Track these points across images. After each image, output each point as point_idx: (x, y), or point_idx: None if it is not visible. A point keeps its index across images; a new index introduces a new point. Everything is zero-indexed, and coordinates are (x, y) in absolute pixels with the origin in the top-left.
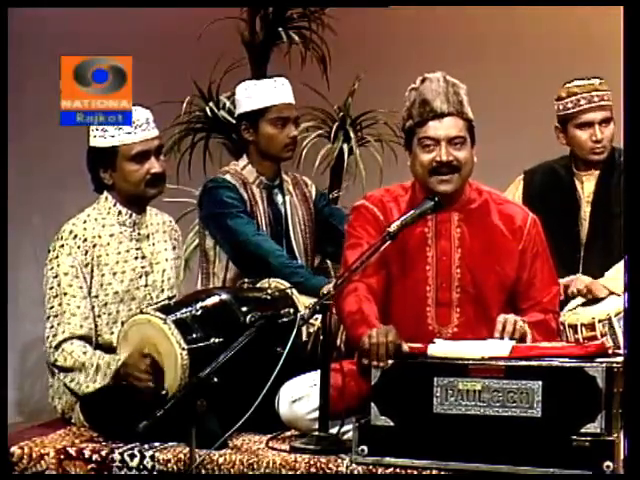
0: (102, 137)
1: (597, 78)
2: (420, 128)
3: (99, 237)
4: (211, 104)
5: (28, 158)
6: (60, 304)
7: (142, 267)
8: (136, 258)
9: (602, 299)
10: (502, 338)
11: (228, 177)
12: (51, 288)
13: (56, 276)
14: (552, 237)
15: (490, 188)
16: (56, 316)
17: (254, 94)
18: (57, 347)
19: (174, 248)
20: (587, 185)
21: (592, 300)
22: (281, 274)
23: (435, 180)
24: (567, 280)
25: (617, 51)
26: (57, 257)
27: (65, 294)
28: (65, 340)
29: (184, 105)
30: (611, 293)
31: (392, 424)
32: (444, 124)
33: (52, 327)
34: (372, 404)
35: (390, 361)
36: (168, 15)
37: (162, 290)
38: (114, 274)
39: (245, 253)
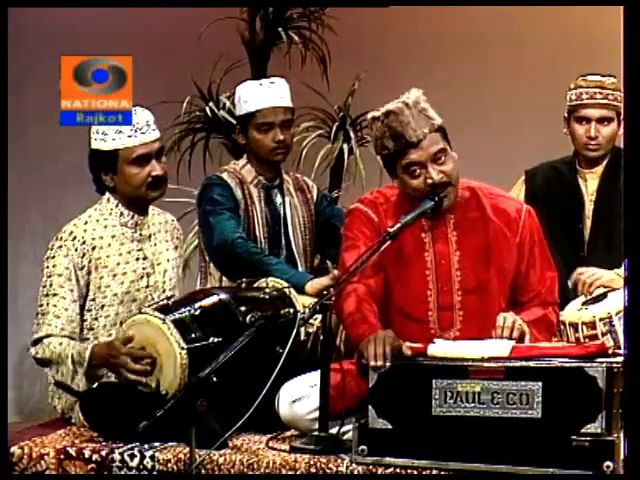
0: (103, 140)
1: (611, 76)
2: (400, 157)
3: (100, 238)
4: (211, 104)
5: (28, 158)
6: (48, 304)
7: (143, 268)
8: (137, 259)
9: (604, 297)
10: (501, 338)
11: (224, 175)
12: (44, 286)
13: (50, 276)
14: (555, 235)
15: (480, 183)
16: (42, 314)
17: (242, 98)
18: (35, 343)
19: (176, 248)
20: (590, 183)
21: (594, 298)
22: (260, 273)
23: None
24: (581, 270)
25: (617, 51)
26: (54, 257)
27: (54, 295)
28: (43, 337)
29: (184, 105)
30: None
31: (390, 427)
32: (423, 146)
33: (37, 324)
34: (370, 407)
35: (388, 363)
36: (168, 15)
37: (163, 291)
38: (114, 276)
39: (221, 252)
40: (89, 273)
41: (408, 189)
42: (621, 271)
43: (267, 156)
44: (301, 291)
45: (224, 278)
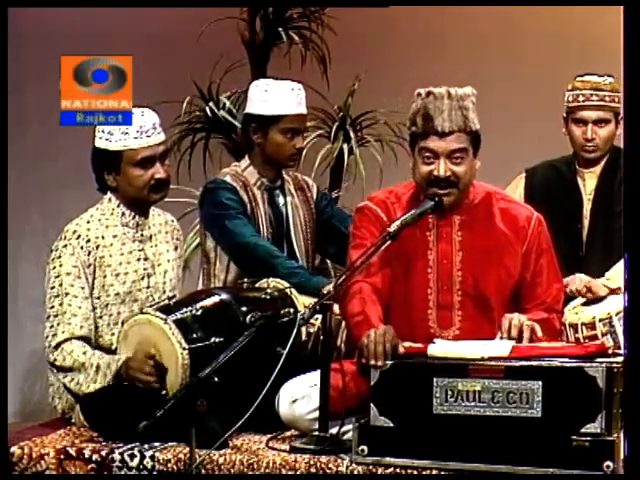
0: (108, 140)
1: (609, 76)
2: (422, 139)
3: (102, 238)
4: (211, 104)
5: (28, 158)
6: (61, 304)
7: (144, 269)
8: (139, 260)
9: (603, 298)
10: (509, 338)
11: (228, 178)
12: (52, 288)
13: (58, 276)
14: (554, 235)
15: (494, 187)
16: (56, 316)
17: (269, 98)
18: (56, 347)
19: (176, 248)
20: (589, 183)
21: (593, 299)
22: (281, 275)
23: (433, 191)
24: (566, 280)
25: (617, 51)
26: (60, 257)
27: (67, 294)
28: (65, 340)
29: (184, 105)
30: (612, 292)
31: (392, 425)
32: (445, 140)
33: (52, 327)
34: (371, 405)
35: (389, 362)
36: (168, 15)
37: (164, 291)
38: (116, 275)
39: (244, 254)
40: (94, 271)
41: (416, 173)
42: (607, 281)
43: (284, 161)
44: (316, 294)
45: (229, 279)
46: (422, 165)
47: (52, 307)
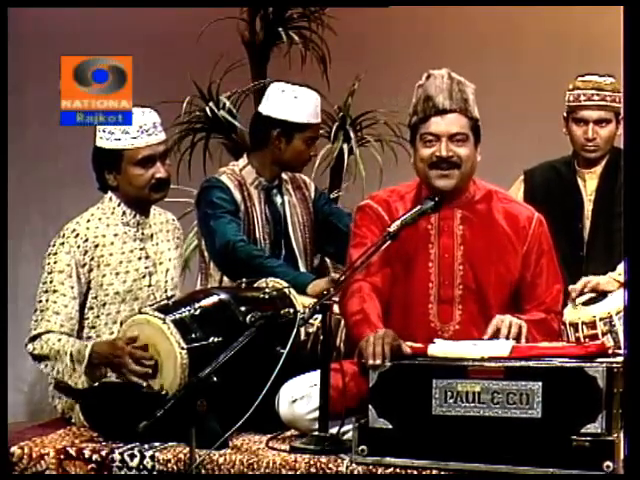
0: (108, 140)
1: (609, 77)
2: (423, 124)
3: (103, 237)
4: (211, 104)
5: (28, 158)
6: (47, 300)
7: (146, 267)
8: (140, 258)
9: (604, 297)
10: (500, 338)
11: (223, 178)
12: (44, 283)
13: (50, 272)
14: (554, 235)
15: (496, 187)
16: (42, 311)
17: (298, 106)
18: (33, 339)
19: (177, 247)
20: (590, 183)
21: (594, 298)
22: (260, 274)
23: (435, 174)
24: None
25: (617, 51)
26: (55, 254)
27: (55, 291)
28: (42, 333)
29: (184, 105)
30: (621, 285)
31: (390, 427)
32: (446, 120)
33: (35, 320)
34: (370, 406)
35: (387, 363)
36: (168, 15)
37: (165, 290)
38: (117, 274)
39: (224, 254)
40: (90, 270)
41: (418, 159)
42: (615, 274)
43: (299, 167)
44: (303, 292)
45: (224, 279)
46: (423, 149)
47: (40, 301)
